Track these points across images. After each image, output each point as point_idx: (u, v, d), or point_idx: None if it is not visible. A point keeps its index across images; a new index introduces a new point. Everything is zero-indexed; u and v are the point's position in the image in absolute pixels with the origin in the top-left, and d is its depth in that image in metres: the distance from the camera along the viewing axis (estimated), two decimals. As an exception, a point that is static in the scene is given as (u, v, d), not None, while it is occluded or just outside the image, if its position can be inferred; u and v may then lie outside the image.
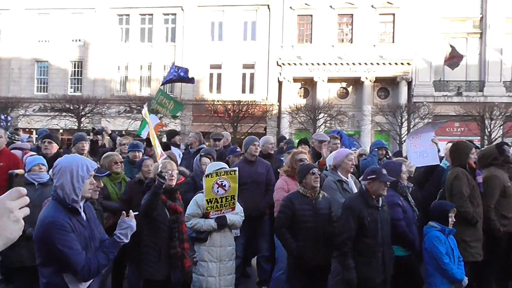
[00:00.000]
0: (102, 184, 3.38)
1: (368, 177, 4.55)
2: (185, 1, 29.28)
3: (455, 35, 26.69)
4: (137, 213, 3.25)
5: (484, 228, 5.35)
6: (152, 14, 29.85)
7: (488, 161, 5.78)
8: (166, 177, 4.52)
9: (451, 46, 25.26)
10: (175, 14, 29.67)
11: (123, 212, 3.11)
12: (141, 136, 8.81)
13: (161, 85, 11.04)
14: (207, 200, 4.89)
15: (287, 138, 11.76)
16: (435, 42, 27.01)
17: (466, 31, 27.32)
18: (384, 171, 4.59)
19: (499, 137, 23.81)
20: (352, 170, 5.60)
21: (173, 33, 29.77)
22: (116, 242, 3.03)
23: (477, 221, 5.24)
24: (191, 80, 9.89)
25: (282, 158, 7.20)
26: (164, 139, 9.28)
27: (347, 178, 5.42)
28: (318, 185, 4.80)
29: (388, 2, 27.56)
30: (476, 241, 5.25)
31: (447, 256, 4.68)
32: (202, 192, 4.98)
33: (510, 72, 26.32)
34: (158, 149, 4.93)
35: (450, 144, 6.38)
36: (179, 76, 9.37)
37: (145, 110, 5.99)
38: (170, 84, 24.93)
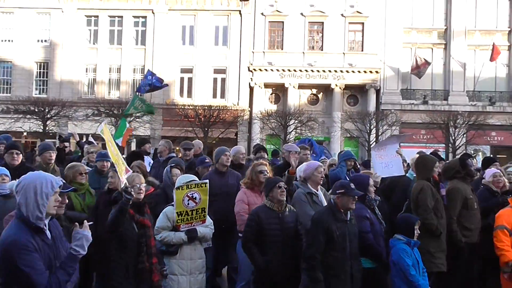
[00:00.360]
0: (67, 200, 3.33)
1: (337, 192, 4.62)
2: (155, 4, 29.03)
3: (421, 45, 27.43)
4: (91, 223, 3.19)
5: (447, 239, 5.51)
6: (122, 16, 29.44)
7: (451, 174, 5.97)
8: (133, 192, 4.45)
9: (418, 56, 25.94)
10: (145, 17, 29.35)
11: (76, 223, 3.06)
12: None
13: (137, 91, 10.90)
14: (177, 212, 4.84)
15: (260, 144, 11.76)
16: (403, 51, 27.72)
17: (432, 41, 28.15)
18: (353, 185, 4.67)
19: (462, 144, 24.62)
20: (322, 182, 5.65)
21: (143, 36, 29.44)
22: (73, 255, 2.97)
23: (441, 233, 5.40)
24: (164, 86, 9.88)
25: None
26: (134, 147, 9.19)
27: (317, 191, 5.47)
28: (284, 198, 4.84)
29: (357, 12, 28.09)
30: (440, 252, 5.41)
31: (413, 268, 4.78)
32: (173, 205, 4.94)
33: (473, 82, 27.21)
34: (122, 166, 4.76)
35: (417, 156, 6.56)
36: (154, 85, 9.32)
37: (101, 127, 5.74)
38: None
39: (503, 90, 27.61)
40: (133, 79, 29.36)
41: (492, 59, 25.58)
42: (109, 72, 29.61)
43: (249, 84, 28.57)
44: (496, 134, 27.02)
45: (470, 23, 27.66)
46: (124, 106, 25.60)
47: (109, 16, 29.52)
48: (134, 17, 29.51)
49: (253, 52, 28.62)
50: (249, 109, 28.37)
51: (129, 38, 29.49)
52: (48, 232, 2.95)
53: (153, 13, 29.09)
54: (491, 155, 26.36)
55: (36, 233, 2.86)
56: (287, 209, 4.86)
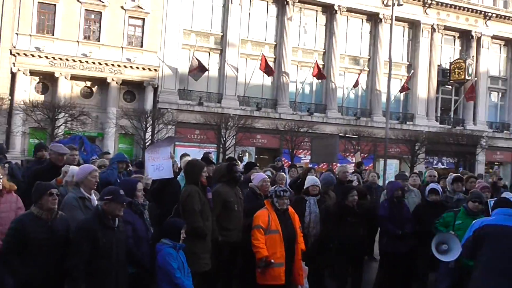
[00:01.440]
0: None
1: (105, 198, 4.52)
2: None
3: (199, 48, 28.70)
4: None
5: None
6: None
7: (218, 177, 6.39)
8: None
9: (196, 59, 27.10)
10: None
11: None
12: None
13: None
14: None
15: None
16: (181, 52, 28.52)
17: (209, 46, 29.73)
18: (122, 192, 4.61)
19: (232, 145, 26.71)
20: (95, 187, 5.37)
21: None
22: None
23: (206, 234, 5.68)
24: None
25: None
26: None
27: (90, 195, 5.22)
28: (56, 206, 4.48)
29: (138, 6, 27.66)
30: (205, 252, 5.69)
31: (178, 270, 4.90)
32: None
33: (243, 88, 29.81)
34: None
35: (186, 160, 6.77)
36: None
37: None
38: None
39: (268, 97, 30.99)
40: None
41: (261, 68, 28.41)
42: None
43: (11, 69, 25.16)
44: (261, 137, 30.16)
45: (244, 33, 30.20)
46: None
47: None
48: None
49: (17, 34, 25.31)
50: (10, 97, 24.98)
51: None
52: None
53: None
54: (256, 156, 29.52)
55: None
56: (58, 216, 4.52)
